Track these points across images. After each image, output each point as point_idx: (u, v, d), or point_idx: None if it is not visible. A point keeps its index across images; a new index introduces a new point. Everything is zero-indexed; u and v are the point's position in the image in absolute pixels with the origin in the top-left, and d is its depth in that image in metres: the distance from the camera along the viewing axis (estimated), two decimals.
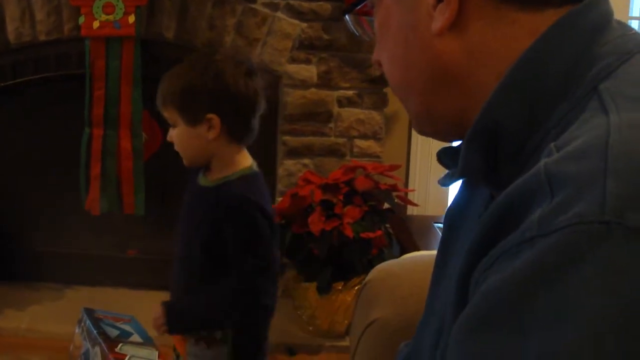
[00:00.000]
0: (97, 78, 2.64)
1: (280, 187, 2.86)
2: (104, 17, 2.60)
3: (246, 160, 1.65)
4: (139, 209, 2.72)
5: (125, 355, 1.18)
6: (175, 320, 1.62)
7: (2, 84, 2.92)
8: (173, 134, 1.64)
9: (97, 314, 1.37)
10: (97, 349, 1.22)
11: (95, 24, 2.61)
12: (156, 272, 2.99)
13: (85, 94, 2.67)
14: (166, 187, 2.96)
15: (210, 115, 1.55)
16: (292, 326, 2.65)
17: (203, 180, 1.66)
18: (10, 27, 2.83)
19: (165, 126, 2.77)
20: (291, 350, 2.52)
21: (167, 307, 1.64)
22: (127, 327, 1.33)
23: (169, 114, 1.62)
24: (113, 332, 1.28)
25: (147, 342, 1.29)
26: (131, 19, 2.59)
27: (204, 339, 1.63)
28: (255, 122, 1.63)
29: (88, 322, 1.33)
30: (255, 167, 1.65)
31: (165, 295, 2.85)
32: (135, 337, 1.29)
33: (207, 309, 1.64)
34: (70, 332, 2.50)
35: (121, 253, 3.06)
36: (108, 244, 3.08)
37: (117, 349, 1.20)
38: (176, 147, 1.65)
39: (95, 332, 1.27)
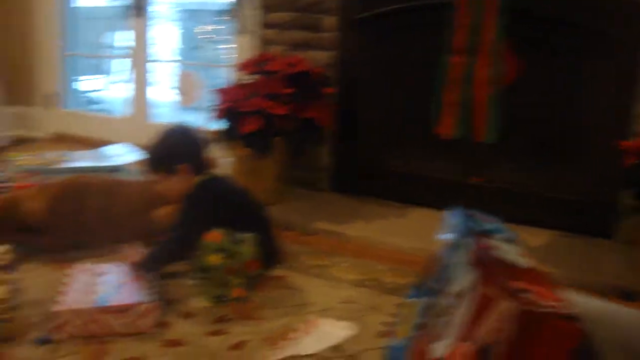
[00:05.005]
0: (462, 6, 2.73)
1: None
2: None
3: None
4: (490, 136, 2.78)
5: (496, 247, 1.25)
6: None
7: (371, 12, 3.15)
8: None
9: (466, 212, 1.47)
10: (469, 239, 1.32)
11: None
12: (498, 201, 3.05)
13: (444, 22, 2.77)
14: (516, 118, 2.98)
15: None
16: (634, 272, 2.56)
17: None
18: None
19: (521, 57, 2.80)
20: (629, 296, 2.44)
21: None
22: (492, 226, 1.41)
23: None
24: (481, 227, 1.37)
25: (512, 240, 1.35)
26: None
27: None
28: None
29: (458, 216, 1.43)
30: None
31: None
32: (501, 235, 1.37)
33: None
34: (412, 247, 2.69)
35: (465, 179, 3.17)
36: (453, 168, 3.19)
37: (487, 240, 1.28)
38: None
39: (466, 224, 1.37)
